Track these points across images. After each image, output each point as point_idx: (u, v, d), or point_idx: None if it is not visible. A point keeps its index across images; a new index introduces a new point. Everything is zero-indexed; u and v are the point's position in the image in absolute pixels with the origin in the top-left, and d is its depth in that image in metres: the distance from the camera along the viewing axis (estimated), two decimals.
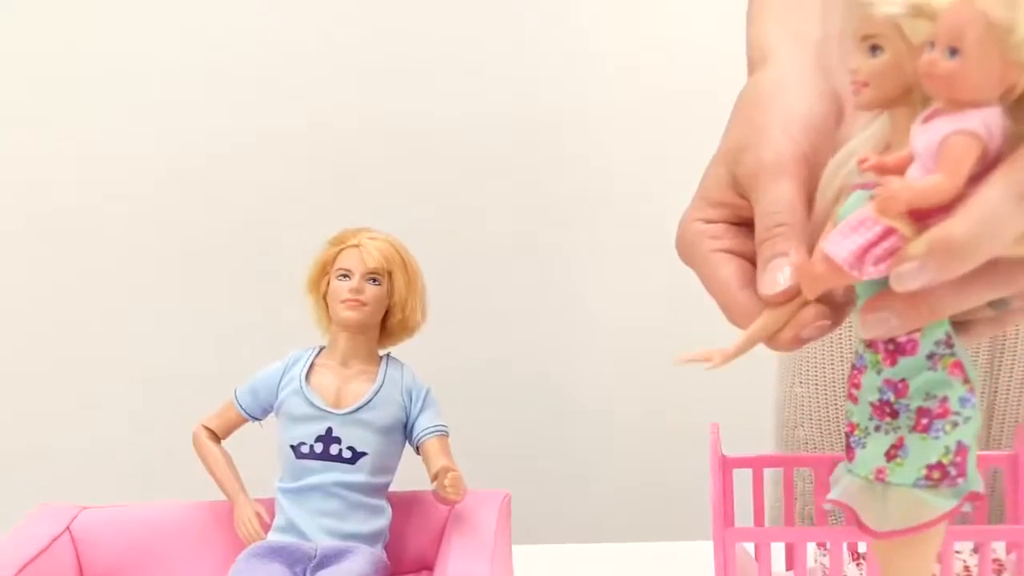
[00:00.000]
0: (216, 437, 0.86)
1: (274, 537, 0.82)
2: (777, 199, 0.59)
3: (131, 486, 1.73)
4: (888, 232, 0.51)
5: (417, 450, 0.84)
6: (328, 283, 0.85)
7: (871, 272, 0.52)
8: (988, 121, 0.51)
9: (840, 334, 1.05)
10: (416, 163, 1.82)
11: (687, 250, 0.63)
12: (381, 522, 0.83)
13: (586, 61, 1.81)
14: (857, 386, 0.57)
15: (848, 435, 0.58)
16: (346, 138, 1.81)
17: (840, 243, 0.52)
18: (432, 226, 1.72)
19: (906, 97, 0.54)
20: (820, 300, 0.56)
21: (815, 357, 1.07)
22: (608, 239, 1.82)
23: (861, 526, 0.56)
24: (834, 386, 1.06)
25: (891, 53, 0.53)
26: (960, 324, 0.56)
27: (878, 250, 0.52)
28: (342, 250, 0.85)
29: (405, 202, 1.79)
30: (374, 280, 0.84)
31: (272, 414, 0.85)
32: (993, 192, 0.49)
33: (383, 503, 0.83)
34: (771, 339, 0.57)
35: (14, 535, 0.83)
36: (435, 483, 0.80)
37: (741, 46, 0.77)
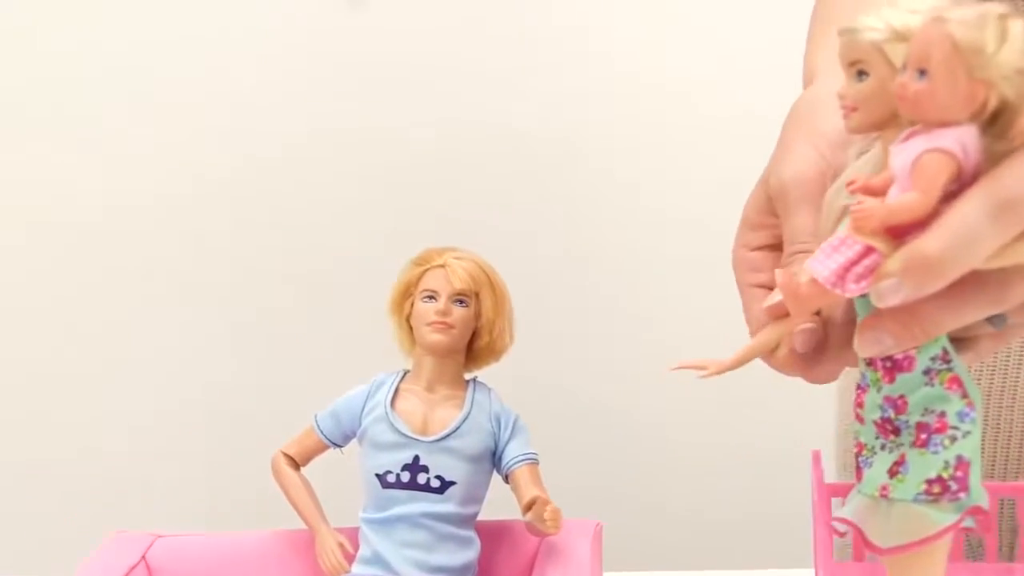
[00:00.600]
0: (295, 464, 0.83)
1: (359, 570, 0.79)
2: (799, 227, 0.61)
3: (205, 513, 1.70)
4: (868, 250, 0.52)
5: (506, 478, 0.81)
6: (412, 305, 0.82)
7: (852, 289, 0.52)
8: (963, 140, 0.51)
9: None
10: (450, 175, 1.79)
11: (735, 276, 0.65)
12: (470, 554, 0.80)
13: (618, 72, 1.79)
14: (861, 406, 0.58)
15: (857, 455, 0.59)
16: (366, 146, 1.78)
17: (823, 262, 0.53)
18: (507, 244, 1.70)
19: (895, 120, 0.55)
20: (822, 320, 0.57)
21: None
22: (682, 259, 1.80)
23: (867, 543, 0.57)
24: None
25: (876, 77, 0.54)
26: (961, 342, 0.57)
27: (859, 268, 0.53)
28: (427, 270, 0.82)
29: (445, 213, 1.76)
30: (461, 302, 0.81)
31: (354, 440, 0.82)
32: (967, 209, 0.50)
33: (472, 534, 0.80)
34: (770, 356, 0.58)
35: (89, 565, 0.80)
36: (529, 514, 0.77)
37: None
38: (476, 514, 0.81)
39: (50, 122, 1.78)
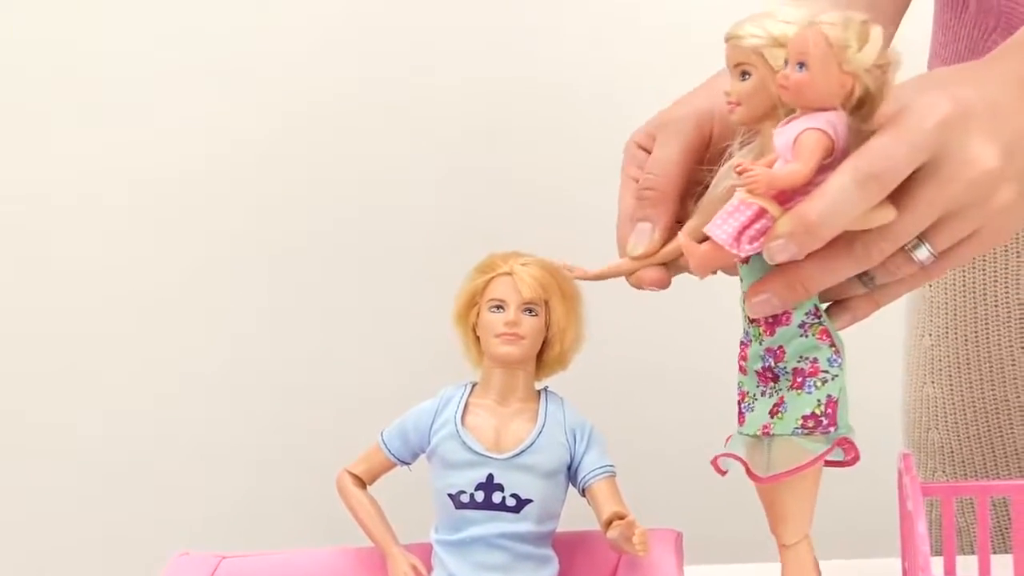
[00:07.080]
0: (362, 483, 0.80)
1: None
2: (657, 158, 0.72)
3: (269, 532, 1.66)
4: (759, 214, 0.63)
5: (582, 492, 0.78)
6: (478, 314, 0.79)
7: (747, 249, 0.63)
8: (833, 121, 0.63)
9: (978, 334, 1.01)
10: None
11: (623, 161, 0.76)
12: (549, 573, 0.78)
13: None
14: (745, 358, 0.69)
15: (739, 402, 0.70)
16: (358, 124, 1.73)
17: (720, 226, 0.64)
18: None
19: (773, 113, 0.65)
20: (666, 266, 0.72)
21: (947, 356, 1.03)
22: None
23: (750, 474, 0.68)
24: (970, 388, 1.02)
25: (757, 77, 0.65)
26: (839, 304, 0.68)
27: (751, 231, 0.63)
28: (492, 279, 0.78)
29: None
30: (530, 311, 0.78)
31: (423, 457, 0.80)
32: (839, 179, 0.61)
33: (550, 552, 0.78)
34: (628, 276, 0.73)
35: None
36: (612, 533, 0.75)
37: None
38: (553, 531, 0.79)
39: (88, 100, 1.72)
